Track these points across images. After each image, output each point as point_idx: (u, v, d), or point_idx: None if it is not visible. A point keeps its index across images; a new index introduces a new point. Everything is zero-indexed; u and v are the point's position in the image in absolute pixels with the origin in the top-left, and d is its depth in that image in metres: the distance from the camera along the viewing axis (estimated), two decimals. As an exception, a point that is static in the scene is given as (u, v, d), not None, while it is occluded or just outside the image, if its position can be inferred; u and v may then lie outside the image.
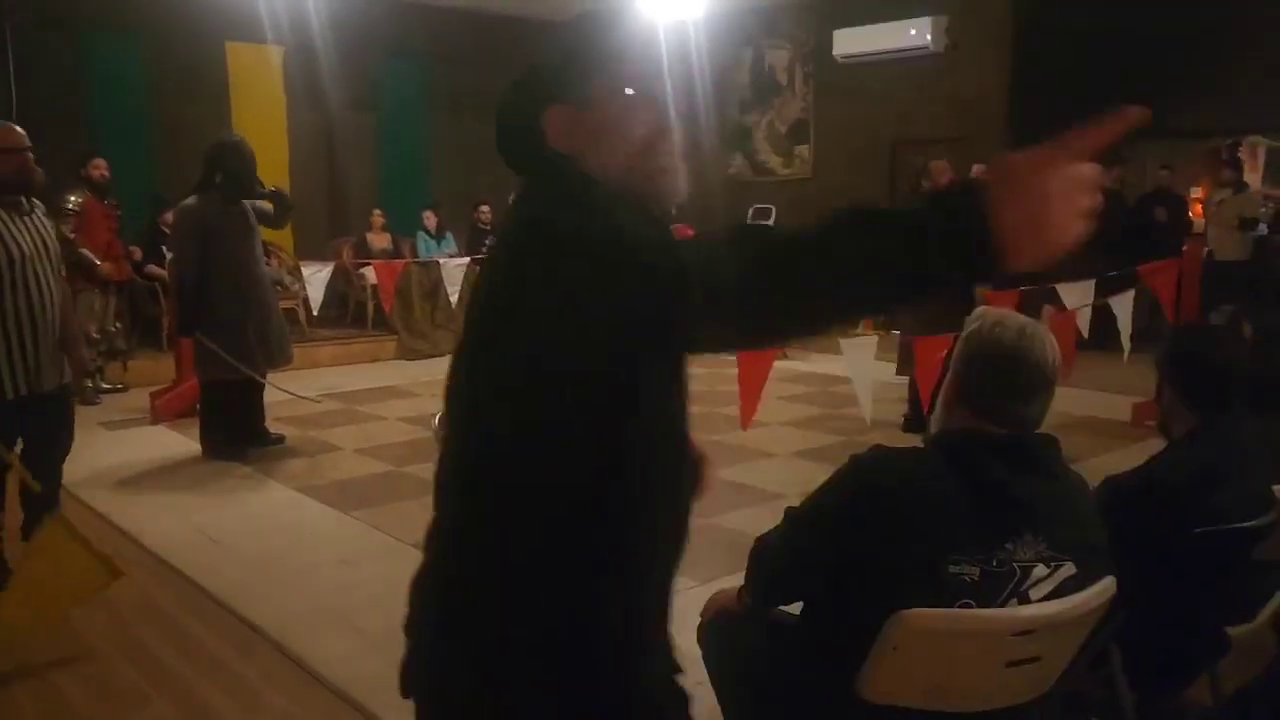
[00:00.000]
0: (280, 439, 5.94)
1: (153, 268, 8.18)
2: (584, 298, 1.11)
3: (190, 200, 5.41)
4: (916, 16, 10.06)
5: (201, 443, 5.70)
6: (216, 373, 5.44)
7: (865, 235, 1.01)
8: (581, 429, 1.20)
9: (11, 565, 3.70)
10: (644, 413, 1.23)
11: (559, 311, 1.13)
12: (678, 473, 1.35)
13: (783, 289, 1.05)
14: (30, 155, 3.56)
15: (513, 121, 1.32)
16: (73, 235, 6.63)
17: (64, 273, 4.00)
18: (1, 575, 3.66)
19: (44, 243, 3.60)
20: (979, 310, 1.92)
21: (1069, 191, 0.93)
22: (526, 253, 1.21)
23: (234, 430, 5.66)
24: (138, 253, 8.10)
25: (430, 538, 1.34)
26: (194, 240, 5.31)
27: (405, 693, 1.35)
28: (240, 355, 5.38)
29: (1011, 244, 0.94)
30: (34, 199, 3.65)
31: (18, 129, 3.58)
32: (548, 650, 1.25)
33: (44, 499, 3.83)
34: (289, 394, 6.49)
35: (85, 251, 6.82)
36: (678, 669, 1.45)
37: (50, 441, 3.74)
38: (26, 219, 3.55)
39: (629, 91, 1.28)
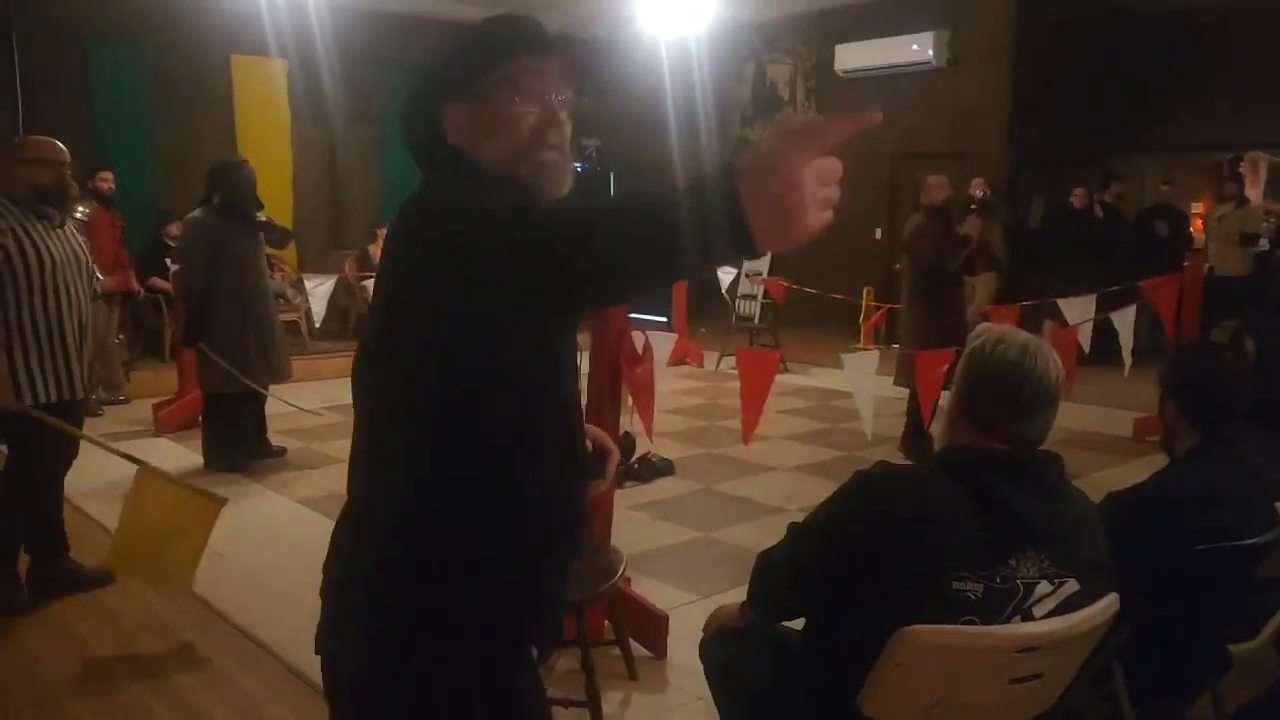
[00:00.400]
0: (282, 451, 5.95)
1: (156, 280, 8.20)
2: (451, 269, 1.17)
3: (197, 212, 5.45)
4: (918, 31, 10.10)
5: (203, 454, 5.71)
6: (218, 384, 5.46)
7: (635, 215, 1.05)
8: (455, 399, 1.28)
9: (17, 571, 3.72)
10: (518, 384, 1.31)
11: (431, 283, 1.21)
12: (561, 448, 1.40)
13: (587, 261, 1.08)
14: (67, 169, 3.62)
15: (414, 119, 1.42)
16: None
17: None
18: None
19: (74, 254, 3.64)
20: (982, 327, 1.93)
21: (811, 181, 0.97)
22: (405, 238, 1.30)
23: (236, 442, 5.67)
24: (141, 290, 8.10)
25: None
26: (201, 251, 5.35)
27: (316, 650, 1.45)
28: (242, 367, 5.41)
29: (759, 227, 0.97)
30: (66, 212, 3.69)
31: (58, 144, 3.63)
32: (418, 620, 1.33)
33: (50, 517, 3.85)
34: (291, 406, 6.50)
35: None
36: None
37: (54, 451, 3.75)
38: (58, 230, 3.59)
39: (515, 88, 1.34)
